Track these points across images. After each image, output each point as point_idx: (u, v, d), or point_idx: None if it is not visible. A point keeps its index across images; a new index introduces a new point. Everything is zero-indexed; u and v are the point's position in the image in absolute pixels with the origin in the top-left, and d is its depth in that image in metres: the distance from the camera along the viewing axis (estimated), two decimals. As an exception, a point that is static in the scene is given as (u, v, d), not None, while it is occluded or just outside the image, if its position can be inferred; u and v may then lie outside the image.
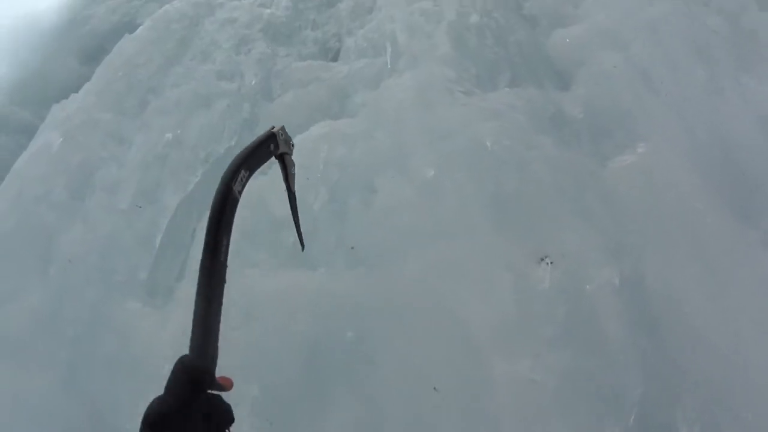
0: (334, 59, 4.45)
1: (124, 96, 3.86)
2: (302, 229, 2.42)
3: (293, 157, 2.08)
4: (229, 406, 1.49)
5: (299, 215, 2.25)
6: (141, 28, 4.42)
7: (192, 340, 1.46)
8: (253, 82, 4.13)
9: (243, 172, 1.86)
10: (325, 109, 3.83)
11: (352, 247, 2.93)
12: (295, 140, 3.24)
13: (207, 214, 3.10)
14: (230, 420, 1.46)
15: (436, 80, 3.56)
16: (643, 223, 2.82)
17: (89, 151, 3.48)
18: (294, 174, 2.36)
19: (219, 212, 1.72)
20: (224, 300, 1.95)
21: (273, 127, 2.20)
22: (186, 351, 1.37)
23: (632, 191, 2.95)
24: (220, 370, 1.27)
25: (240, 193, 1.81)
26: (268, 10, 4.81)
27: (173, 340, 2.63)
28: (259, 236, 2.85)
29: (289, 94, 4.03)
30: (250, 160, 1.95)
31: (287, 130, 2.13)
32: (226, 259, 1.68)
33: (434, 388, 2.43)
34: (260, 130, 3.59)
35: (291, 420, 2.42)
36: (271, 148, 2.10)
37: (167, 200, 3.39)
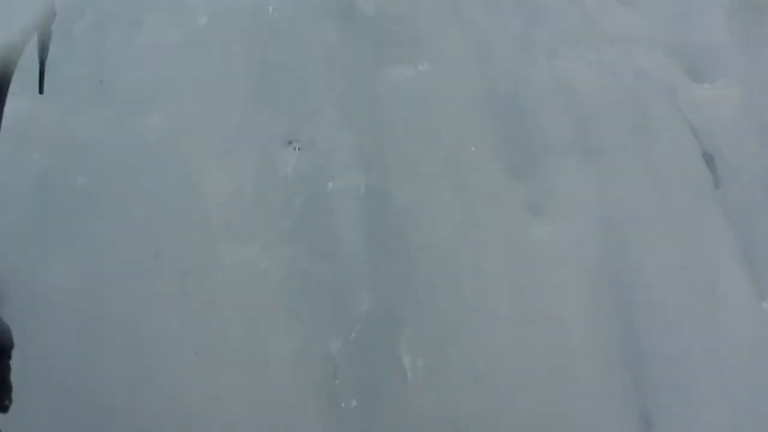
0: None
1: None
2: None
3: None
4: (8, 328, 1.58)
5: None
6: None
7: None
8: None
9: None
10: None
11: (101, 81, 2.70)
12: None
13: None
14: (11, 344, 1.54)
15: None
16: (404, 140, 2.80)
17: None
18: None
19: None
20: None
21: None
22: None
23: (402, 106, 2.89)
24: None
25: None
26: None
27: None
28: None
29: None
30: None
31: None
32: None
33: (156, 255, 2.37)
34: None
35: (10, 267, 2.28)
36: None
37: None
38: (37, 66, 2.45)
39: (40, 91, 2.49)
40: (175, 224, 2.43)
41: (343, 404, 2.35)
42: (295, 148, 2.61)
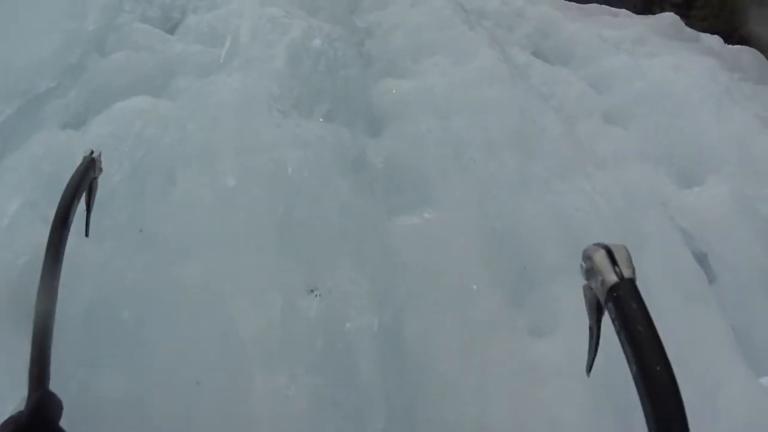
0: (171, 32, 4.34)
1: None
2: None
3: None
4: None
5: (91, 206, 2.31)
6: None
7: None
8: (91, 28, 3.97)
9: (75, 202, 1.94)
10: (149, 82, 3.79)
11: (141, 230, 3.00)
12: (115, 107, 3.26)
13: (14, 154, 3.07)
14: None
15: (261, 92, 3.67)
16: (412, 282, 3.13)
17: None
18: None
19: (57, 245, 1.80)
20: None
21: (92, 152, 2.23)
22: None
23: (409, 252, 3.23)
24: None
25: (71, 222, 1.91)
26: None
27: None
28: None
29: (121, 53, 3.91)
30: (80, 190, 2.03)
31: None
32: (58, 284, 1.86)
33: (197, 383, 2.61)
34: (84, 81, 3.49)
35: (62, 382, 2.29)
36: (91, 173, 2.16)
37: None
38: (84, 210, 2.52)
39: (86, 234, 2.60)
40: (214, 357, 2.69)
41: None
42: (316, 295, 2.92)
